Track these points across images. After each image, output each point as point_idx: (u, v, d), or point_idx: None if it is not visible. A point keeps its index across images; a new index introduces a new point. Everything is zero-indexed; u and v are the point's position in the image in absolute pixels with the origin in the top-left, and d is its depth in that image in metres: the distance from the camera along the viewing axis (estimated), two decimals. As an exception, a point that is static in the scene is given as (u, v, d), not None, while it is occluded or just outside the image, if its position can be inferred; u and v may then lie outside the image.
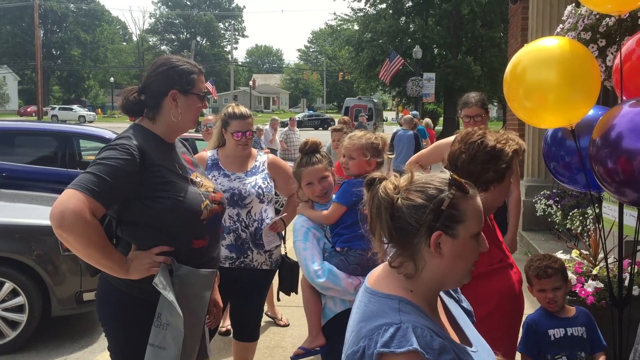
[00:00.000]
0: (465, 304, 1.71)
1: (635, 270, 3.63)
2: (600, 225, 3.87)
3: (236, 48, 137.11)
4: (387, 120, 48.03)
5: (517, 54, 3.25)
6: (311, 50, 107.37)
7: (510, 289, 2.29)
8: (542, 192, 7.95)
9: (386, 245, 1.46)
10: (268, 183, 3.61)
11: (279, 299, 3.78)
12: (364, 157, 2.89)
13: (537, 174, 8.69)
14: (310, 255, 2.85)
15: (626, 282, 3.29)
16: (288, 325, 5.24)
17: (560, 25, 4.11)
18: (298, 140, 13.45)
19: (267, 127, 15.71)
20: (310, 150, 3.01)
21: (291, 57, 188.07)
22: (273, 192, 3.63)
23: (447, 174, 1.44)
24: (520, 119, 3.48)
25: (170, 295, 2.26)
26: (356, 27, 39.87)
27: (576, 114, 3.14)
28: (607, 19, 3.57)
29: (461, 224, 1.39)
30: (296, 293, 3.75)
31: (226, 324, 4.97)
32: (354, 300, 2.83)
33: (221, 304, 2.79)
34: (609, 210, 4.04)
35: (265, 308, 4.96)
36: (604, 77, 3.61)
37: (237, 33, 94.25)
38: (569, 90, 3.05)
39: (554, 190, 7.75)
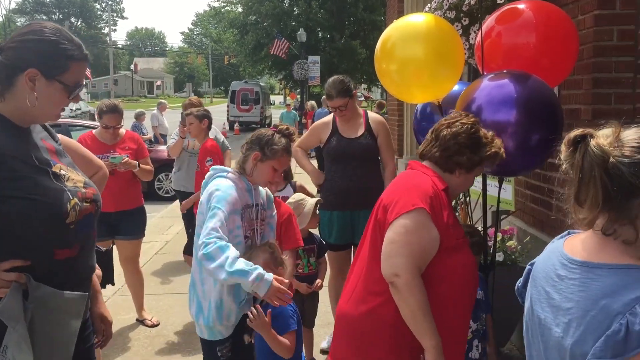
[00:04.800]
0: None
1: (499, 238, 3.85)
2: (468, 198, 4.07)
3: (115, 30, 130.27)
4: (274, 104, 47.99)
5: (387, 30, 3.31)
6: (195, 33, 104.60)
7: (473, 263, 2.31)
8: (420, 169, 8.26)
9: (595, 213, 1.30)
10: None
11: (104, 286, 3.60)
12: None
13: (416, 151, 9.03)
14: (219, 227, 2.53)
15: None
16: (158, 324, 4.95)
17: (429, 5, 4.23)
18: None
19: (155, 111, 15.13)
20: (287, 135, 2.89)
21: (175, 40, 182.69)
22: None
23: None
24: (391, 94, 3.55)
25: (19, 327, 1.77)
26: (240, 10, 39.28)
27: (442, 89, 3.26)
28: (470, -2, 3.71)
29: None
30: (112, 284, 3.61)
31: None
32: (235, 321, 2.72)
33: (110, 318, 2.33)
34: (476, 182, 4.26)
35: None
36: (468, 54, 3.76)
37: (115, 14, 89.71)
38: (435, 66, 3.15)
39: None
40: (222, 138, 5.97)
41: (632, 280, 1.22)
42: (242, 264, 2.45)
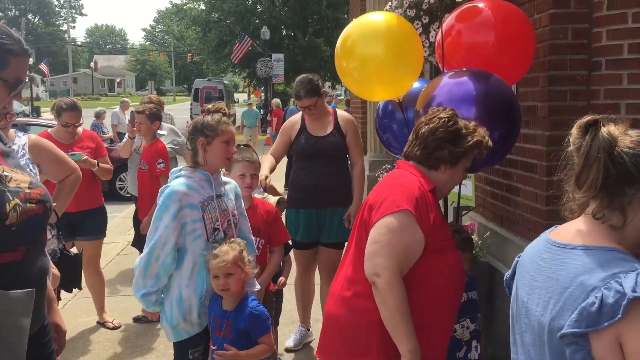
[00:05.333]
0: None
1: (461, 233, 3.90)
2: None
3: (73, 27, 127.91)
4: (238, 102, 47.69)
5: (347, 28, 3.32)
6: (157, 30, 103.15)
7: (459, 263, 2.27)
8: (383, 167, 8.32)
9: (588, 197, 1.39)
10: (31, 170, 3.10)
11: (59, 298, 3.55)
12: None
13: (380, 149, 9.08)
14: (165, 238, 2.65)
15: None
16: (119, 327, 4.86)
17: (389, 3, 4.25)
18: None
19: (117, 109, 14.81)
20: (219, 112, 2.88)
21: (136, 38, 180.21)
22: (38, 179, 3.15)
23: None
24: (353, 92, 3.56)
25: None
26: (202, 7, 38.87)
27: (402, 86, 3.28)
28: (430, -4, 3.75)
29: None
30: (79, 289, 3.56)
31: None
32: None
33: (65, 328, 2.32)
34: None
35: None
36: (428, 52, 3.80)
37: (73, 11, 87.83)
38: (395, 64, 3.18)
39: (394, 164, 8.14)
40: (181, 138, 5.83)
41: (609, 259, 1.31)
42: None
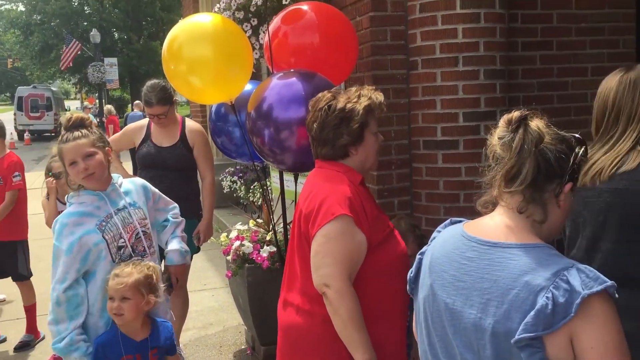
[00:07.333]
0: None
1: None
2: (271, 194, 4.14)
3: None
4: (69, 110, 44.69)
5: (173, 30, 3.22)
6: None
7: (403, 250, 2.21)
8: (227, 170, 8.26)
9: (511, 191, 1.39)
10: None
11: None
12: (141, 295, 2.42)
13: (220, 153, 8.98)
14: (64, 274, 2.41)
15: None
16: None
17: (218, 5, 4.22)
18: None
19: None
20: (74, 125, 2.50)
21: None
22: None
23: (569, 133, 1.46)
24: (183, 96, 3.47)
25: None
26: (22, 8, 35.84)
27: (234, 88, 3.26)
28: (256, -1, 3.78)
29: (577, 180, 1.44)
30: None
31: None
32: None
33: None
34: (277, 179, 4.36)
35: None
36: (259, 54, 3.83)
37: None
38: (225, 66, 3.14)
39: (237, 167, 8.11)
40: None
41: (547, 257, 1.32)
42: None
